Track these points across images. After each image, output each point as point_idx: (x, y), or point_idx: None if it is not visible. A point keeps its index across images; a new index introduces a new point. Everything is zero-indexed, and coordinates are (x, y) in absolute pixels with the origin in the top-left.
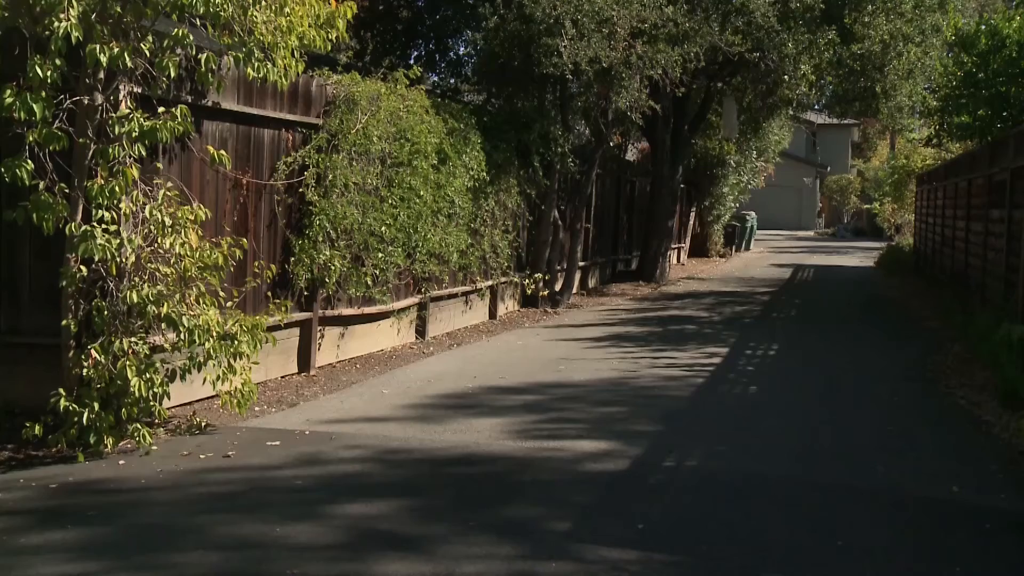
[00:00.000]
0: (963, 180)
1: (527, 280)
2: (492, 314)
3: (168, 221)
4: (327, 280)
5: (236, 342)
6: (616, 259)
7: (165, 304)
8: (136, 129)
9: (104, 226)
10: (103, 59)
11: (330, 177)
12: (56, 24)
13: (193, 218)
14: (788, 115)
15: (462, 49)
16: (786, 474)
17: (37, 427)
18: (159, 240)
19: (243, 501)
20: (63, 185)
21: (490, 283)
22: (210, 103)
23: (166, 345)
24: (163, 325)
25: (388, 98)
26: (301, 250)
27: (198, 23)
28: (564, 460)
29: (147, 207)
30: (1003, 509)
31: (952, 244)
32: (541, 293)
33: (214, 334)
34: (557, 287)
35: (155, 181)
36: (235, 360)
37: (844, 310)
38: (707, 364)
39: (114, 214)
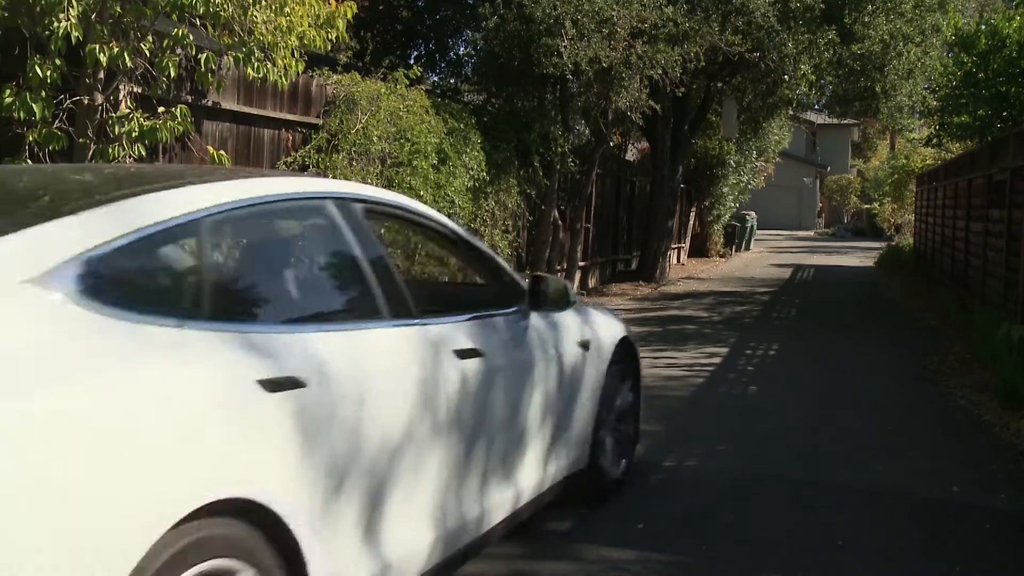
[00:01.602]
0: (963, 180)
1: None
2: None
3: None
4: None
5: None
6: (616, 259)
7: None
8: (136, 129)
9: None
10: (103, 59)
11: (330, 177)
12: (56, 24)
13: None
14: (788, 115)
15: (462, 49)
16: (786, 474)
17: None
18: None
19: None
20: None
21: None
22: (210, 103)
23: None
24: None
25: (388, 98)
26: None
27: (198, 23)
28: None
29: None
30: (1003, 509)
31: (952, 244)
32: None
33: None
34: None
35: None
36: None
37: (844, 310)
38: (707, 364)
39: None
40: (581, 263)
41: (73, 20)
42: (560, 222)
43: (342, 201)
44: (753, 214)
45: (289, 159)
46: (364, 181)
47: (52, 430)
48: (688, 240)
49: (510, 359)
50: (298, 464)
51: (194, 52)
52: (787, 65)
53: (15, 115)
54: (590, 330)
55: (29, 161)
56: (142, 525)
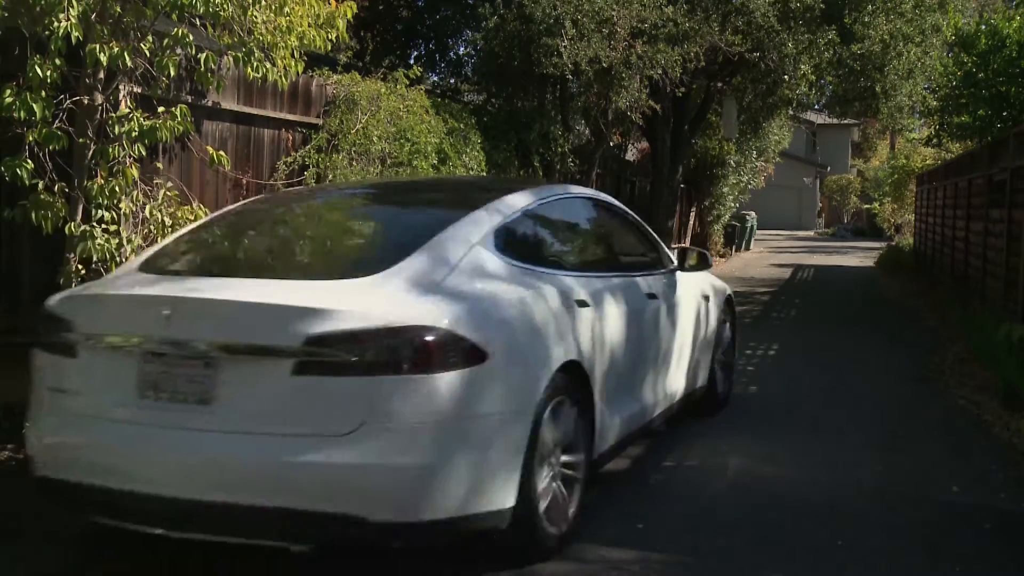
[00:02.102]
0: (963, 180)
1: None
2: None
3: (168, 221)
4: None
5: None
6: None
7: None
8: (136, 129)
9: (104, 226)
10: (103, 59)
11: (330, 177)
12: (56, 24)
13: (193, 218)
14: (788, 115)
15: (462, 49)
16: (786, 474)
17: None
18: (159, 240)
19: None
20: (63, 185)
21: None
22: (210, 103)
23: None
24: None
25: (388, 98)
26: None
27: (198, 23)
28: None
29: (147, 207)
30: (1003, 509)
31: (952, 244)
32: None
33: None
34: None
35: (155, 181)
36: None
37: (844, 310)
38: None
39: (114, 214)
40: None
41: (73, 20)
42: None
43: (587, 199)
44: (753, 214)
45: (289, 159)
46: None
47: (507, 313)
48: (688, 240)
49: (669, 302)
50: (589, 343)
51: (194, 52)
52: (787, 65)
53: (15, 115)
54: (710, 287)
55: (29, 161)
56: (554, 360)
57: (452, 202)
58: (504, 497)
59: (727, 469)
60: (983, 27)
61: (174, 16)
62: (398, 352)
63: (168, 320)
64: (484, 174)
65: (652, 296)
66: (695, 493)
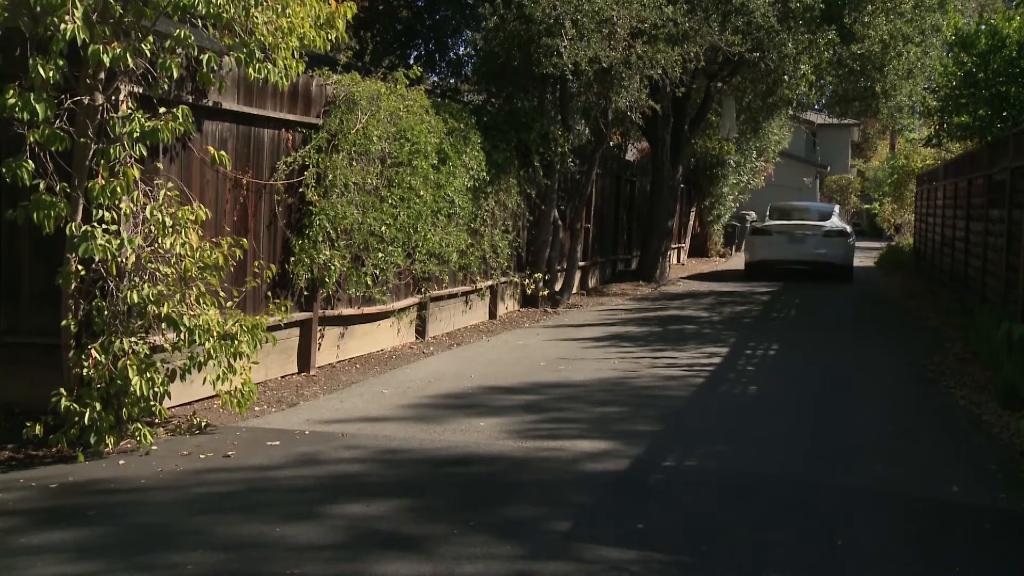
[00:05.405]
0: (963, 180)
1: (527, 280)
2: (492, 314)
3: (168, 221)
4: (327, 280)
5: (236, 342)
6: (616, 259)
7: (165, 304)
8: (137, 129)
9: (104, 226)
10: (105, 59)
11: (330, 177)
12: (62, 25)
13: (193, 218)
14: (788, 115)
15: (462, 49)
16: (786, 474)
17: (38, 427)
18: (159, 240)
19: (243, 501)
20: (64, 185)
21: (490, 283)
22: (211, 103)
23: (166, 345)
24: (163, 325)
25: (388, 98)
26: (301, 250)
27: (199, 24)
28: (564, 460)
29: (148, 207)
30: (1003, 509)
31: (952, 244)
32: (541, 293)
33: (214, 334)
34: (557, 287)
35: (156, 181)
36: (235, 360)
37: (844, 310)
38: (707, 364)
39: (114, 214)
40: (581, 263)
41: (78, 21)
42: (560, 222)
43: (839, 208)
44: (753, 214)
45: (289, 159)
46: (364, 181)
47: (849, 230)
48: (688, 240)
49: (851, 235)
50: (853, 237)
51: (195, 52)
52: (787, 65)
53: (17, 115)
54: (854, 233)
55: (30, 161)
56: (854, 238)
57: (825, 209)
58: (851, 261)
59: (726, 469)
60: (983, 27)
61: (175, 17)
62: (838, 233)
63: (801, 226)
64: (484, 174)
65: (853, 233)
66: (695, 493)
